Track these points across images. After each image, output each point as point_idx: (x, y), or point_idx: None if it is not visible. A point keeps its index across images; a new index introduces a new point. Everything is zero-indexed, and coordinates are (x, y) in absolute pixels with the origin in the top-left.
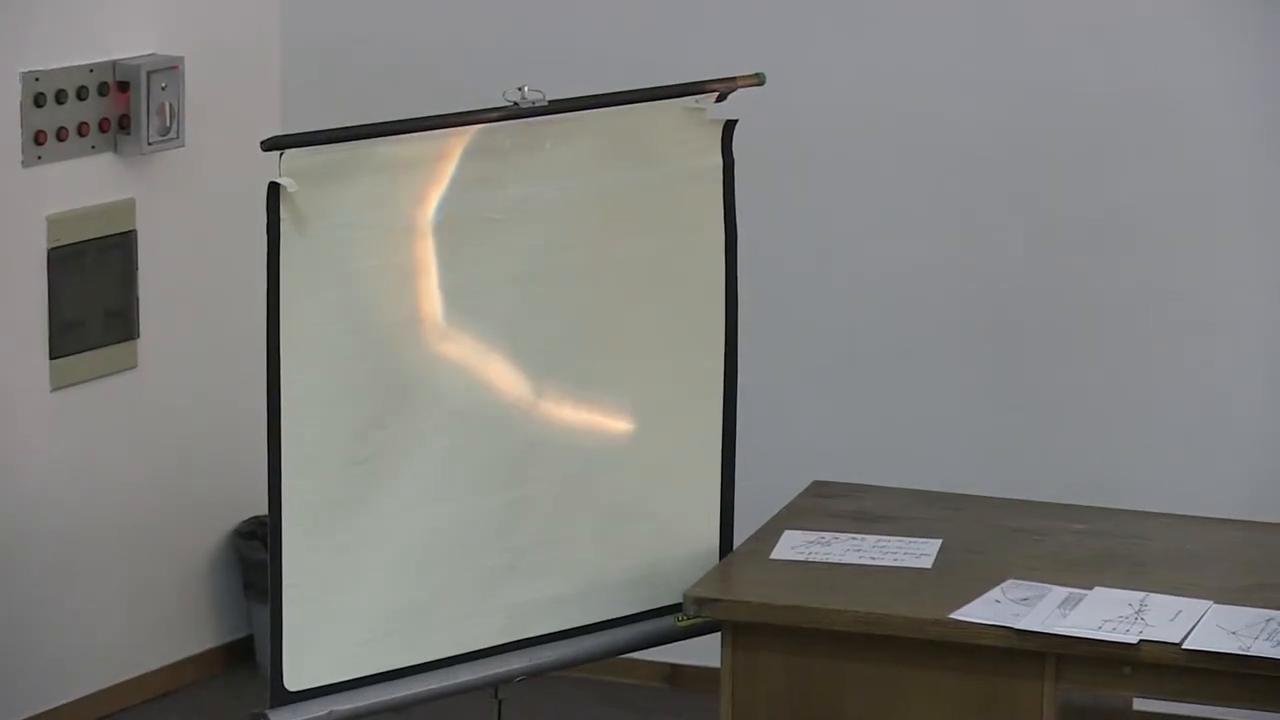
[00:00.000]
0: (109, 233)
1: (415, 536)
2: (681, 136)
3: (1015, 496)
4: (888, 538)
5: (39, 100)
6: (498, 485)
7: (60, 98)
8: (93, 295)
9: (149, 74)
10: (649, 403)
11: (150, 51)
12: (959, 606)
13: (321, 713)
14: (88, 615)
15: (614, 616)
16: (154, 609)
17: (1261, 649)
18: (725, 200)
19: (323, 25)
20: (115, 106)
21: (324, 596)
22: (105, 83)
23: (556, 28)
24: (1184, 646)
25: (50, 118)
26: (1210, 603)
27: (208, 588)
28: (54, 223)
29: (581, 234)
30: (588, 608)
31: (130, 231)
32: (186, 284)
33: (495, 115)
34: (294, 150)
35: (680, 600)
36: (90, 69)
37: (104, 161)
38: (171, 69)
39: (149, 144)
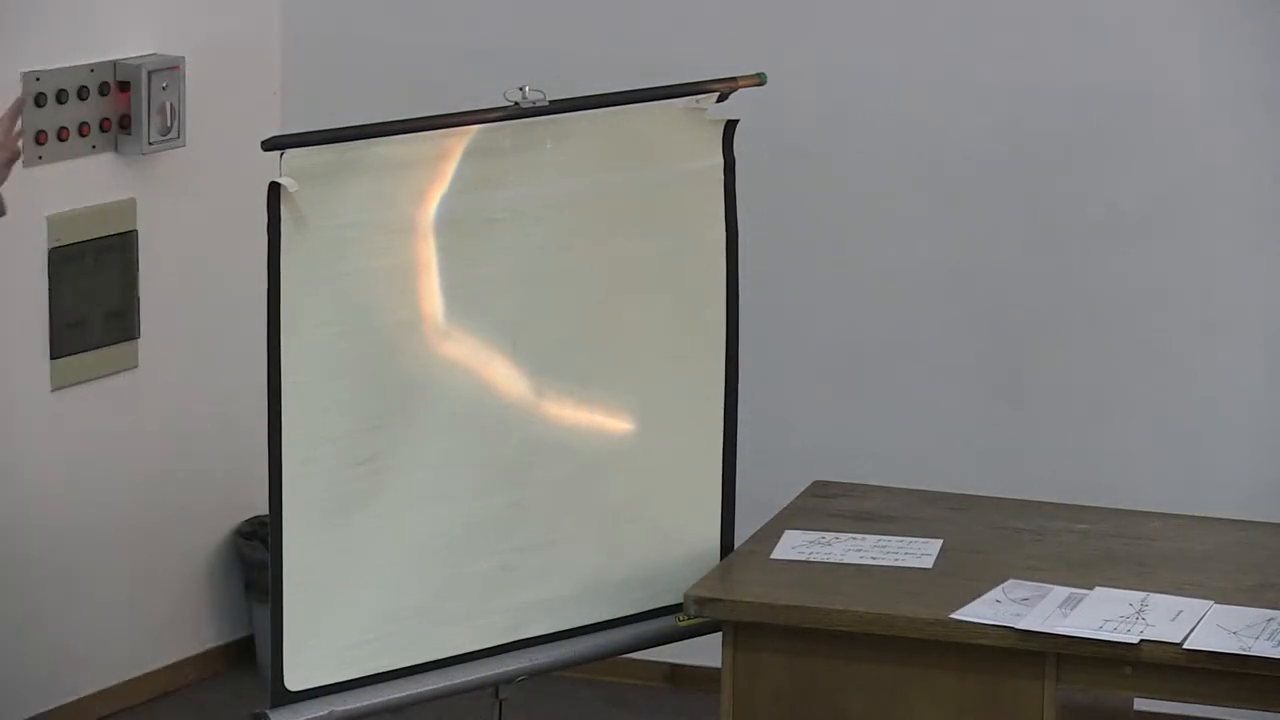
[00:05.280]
0: (109, 233)
1: (416, 537)
2: (682, 136)
3: (1015, 496)
4: (888, 538)
5: (39, 100)
6: (498, 485)
7: (61, 98)
8: (93, 295)
9: (149, 74)
10: (649, 403)
11: (151, 51)
12: (960, 606)
13: (322, 713)
14: (88, 615)
15: (614, 617)
16: (154, 609)
17: (1262, 649)
18: (726, 200)
19: (323, 25)
20: (116, 106)
21: (325, 596)
22: (106, 82)
23: (556, 28)
24: (1185, 646)
25: (51, 117)
26: (1211, 603)
27: (208, 588)
28: (54, 223)
29: (581, 234)
30: (588, 608)
31: (131, 231)
32: (186, 284)
33: (495, 115)
34: (294, 150)
35: (681, 600)
36: (91, 69)
37: (104, 161)
38: (172, 69)
39: (149, 144)
